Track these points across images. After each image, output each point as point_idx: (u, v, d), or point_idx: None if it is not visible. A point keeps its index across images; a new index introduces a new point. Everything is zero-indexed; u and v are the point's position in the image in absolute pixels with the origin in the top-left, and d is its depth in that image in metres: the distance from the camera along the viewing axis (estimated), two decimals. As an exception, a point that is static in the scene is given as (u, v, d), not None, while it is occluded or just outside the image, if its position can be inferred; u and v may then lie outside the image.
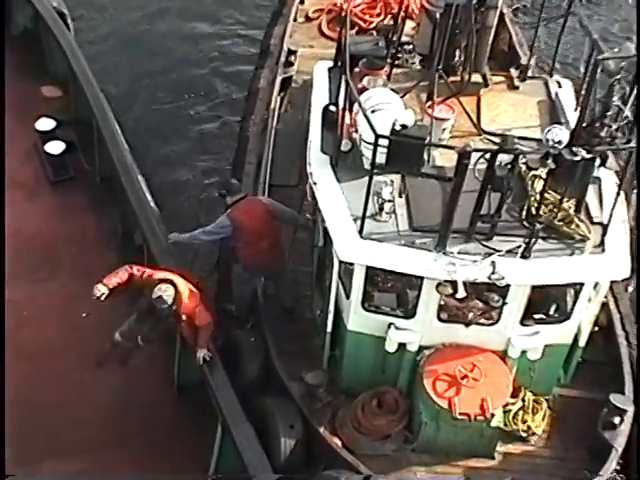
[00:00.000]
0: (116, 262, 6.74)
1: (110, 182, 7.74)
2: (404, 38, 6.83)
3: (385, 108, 5.65)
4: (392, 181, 5.51)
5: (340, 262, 5.54)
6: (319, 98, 6.31)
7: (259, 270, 6.70)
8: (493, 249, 5.32)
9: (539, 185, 5.42)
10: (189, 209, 8.89)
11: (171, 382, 6.52)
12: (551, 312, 5.79)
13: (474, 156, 5.01)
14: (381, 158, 5.18)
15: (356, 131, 5.86)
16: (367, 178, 5.28)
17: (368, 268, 5.45)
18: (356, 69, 6.28)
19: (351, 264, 5.55)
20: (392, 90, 6.02)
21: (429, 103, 6.05)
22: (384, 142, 5.06)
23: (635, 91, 5.16)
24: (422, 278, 5.43)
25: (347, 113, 5.88)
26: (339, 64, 5.94)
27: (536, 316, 5.74)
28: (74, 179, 8.02)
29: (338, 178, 5.72)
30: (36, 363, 6.44)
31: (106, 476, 6.01)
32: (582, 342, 5.97)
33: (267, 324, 6.36)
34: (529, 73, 6.63)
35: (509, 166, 5.10)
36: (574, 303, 5.67)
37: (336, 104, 5.81)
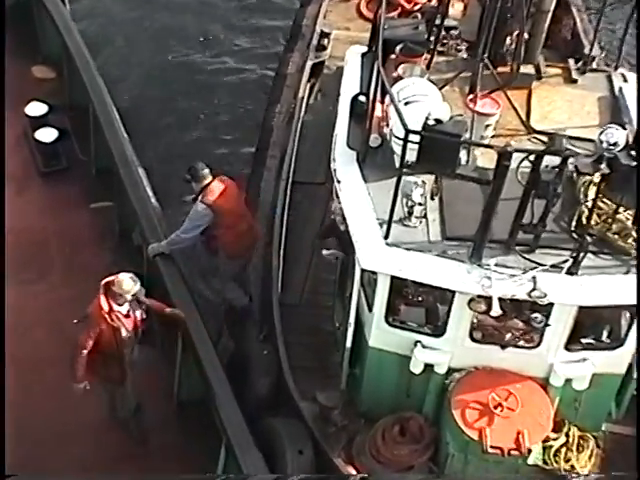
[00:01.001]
0: (111, 263, 6.81)
1: (107, 175, 7.63)
2: (450, 22, 6.87)
3: (420, 100, 5.67)
4: (424, 182, 5.53)
5: (362, 270, 5.58)
6: (349, 86, 6.35)
7: (243, 254, 6.79)
8: (535, 262, 5.29)
9: (591, 192, 5.38)
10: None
11: (170, 398, 6.54)
12: (602, 337, 5.73)
13: (516, 157, 5.00)
14: (412, 156, 5.21)
15: (387, 125, 5.90)
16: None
17: (393, 278, 5.48)
18: (392, 56, 6.33)
19: (374, 273, 5.59)
20: (430, 81, 6.05)
21: (471, 96, 6.04)
22: (415, 138, 5.09)
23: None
24: (453, 292, 5.44)
25: (378, 104, 5.94)
26: (373, 49, 6.00)
27: (584, 341, 5.69)
28: (67, 170, 7.88)
29: (364, 176, 5.76)
30: (22, 375, 6.32)
31: (107, 476, 6.11)
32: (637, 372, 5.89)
33: (281, 336, 6.46)
34: (593, 65, 6.56)
35: (556, 170, 5.07)
36: (629, 328, 5.59)
37: (367, 94, 5.87)
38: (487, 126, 6.00)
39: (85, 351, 5.77)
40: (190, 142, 9.67)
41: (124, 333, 5.80)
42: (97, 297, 5.78)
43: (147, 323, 6.03)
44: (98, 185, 7.83)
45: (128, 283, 5.78)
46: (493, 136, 6.07)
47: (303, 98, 8.47)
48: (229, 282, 7.03)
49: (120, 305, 5.84)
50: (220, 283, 7.05)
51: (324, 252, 6.49)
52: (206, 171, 6.66)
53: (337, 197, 5.89)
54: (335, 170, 5.85)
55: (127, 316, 5.88)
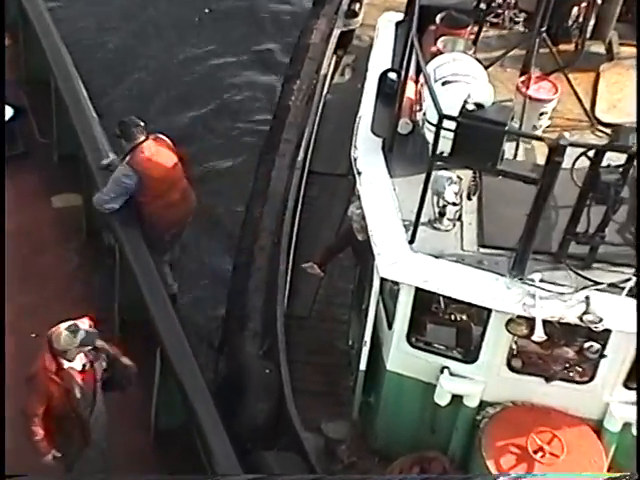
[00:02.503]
0: (77, 267, 6.73)
1: (72, 161, 7.42)
2: (505, -12, 6.84)
3: (460, 80, 5.66)
4: (460, 178, 5.53)
5: (381, 279, 5.59)
6: (378, 60, 6.37)
7: (169, 229, 6.78)
8: (590, 280, 5.24)
9: (663, 198, 5.33)
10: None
11: (148, 428, 6.46)
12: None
13: (572, 153, 4.97)
14: (447, 146, 5.20)
15: (420, 109, 5.91)
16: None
17: (418, 290, 5.48)
18: (432, 26, 6.34)
19: (395, 283, 5.60)
20: (476, 58, 6.02)
21: (524, 78, 6.01)
22: (451, 125, 5.08)
23: None
24: (489, 310, 5.42)
25: (412, 83, 5.96)
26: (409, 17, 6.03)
27: (648, 378, 5.65)
28: (24, 156, 7.65)
29: (390, 169, 5.78)
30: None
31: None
32: None
33: (285, 353, 6.50)
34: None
35: (620, 169, 5.02)
36: None
37: (398, 70, 5.88)
38: (541, 114, 5.97)
39: (37, 419, 5.54)
40: (179, 124, 9.50)
41: (78, 394, 5.51)
42: (41, 355, 5.48)
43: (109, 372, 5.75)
44: (61, 174, 7.61)
45: (66, 338, 5.42)
46: (548, 127, 6.04)
47: (327, 73, 8.50)
48: (163, 265, 7.03)
49: (71, 360, 5.52)
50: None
51: (303, 265, 6.50)
52: (139, 128, 6.62)
53: (356, 192, 5.93)
54: (355, 159, 5.88)
55: (82, 371, 5.59)
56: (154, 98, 9.94)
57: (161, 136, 6.86)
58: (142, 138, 6.63)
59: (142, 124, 6.72)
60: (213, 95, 10.20)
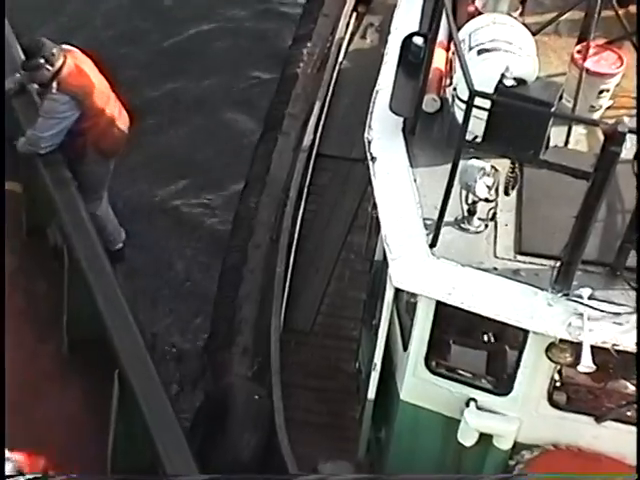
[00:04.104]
0: (17, 270, 6.64)
1: (8, 145, 7.21)
2: None
3: (500, 48, 5.60)
4: (495, 170, 5.46)
5: (396, 290, 5.57)
6: (402, 22, 6.36)
7: (115, 150, 7.14)
8: (652, 298, 5.19)
9: None
10: (156, 200, 8.93)
11: (104, 467, 6.31)
12: None
13: (632, 140, 4.90)
14: (479, 129, 5.15)
15: (451, 83, 5.87)
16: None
17: (439, 304, 5.45)
18: (470, -19, 6.34)
19: (413, 295, 5.57)
20: (522, 21, 5.98)
21: (580, 46, 5.93)
22: (484, 104, 5.02)
23: None
24: (526, 332, 5.37)
25: (442, 51, 5.91)
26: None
27: None
28: None
29: (412, 155, 5.75)
30: None
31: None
32: None
33: (279, 374, 6.50)
34: None
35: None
36: None
37: (426, 35, 5.83)
38: (601, 92, 5.91)
39: None
40: (160, 97, 9.77)
41: None
42: None
43: None
44: None
45: None
46: (610, 107, 5.99)
47: (344, 37, 8.47)
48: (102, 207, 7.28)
49: None
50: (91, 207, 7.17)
51: None
52: (58, 48, 6.94)
53: (369, 182, 5.89)
54: (369, 142, 5.86)
55: None
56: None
57: (70, 47, 7.18)
58: (62, 59, 6.97)
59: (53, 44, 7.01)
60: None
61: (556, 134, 5.64)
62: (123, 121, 7.35)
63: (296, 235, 7.44)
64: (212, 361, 7.00)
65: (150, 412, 5.99)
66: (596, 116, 5.90)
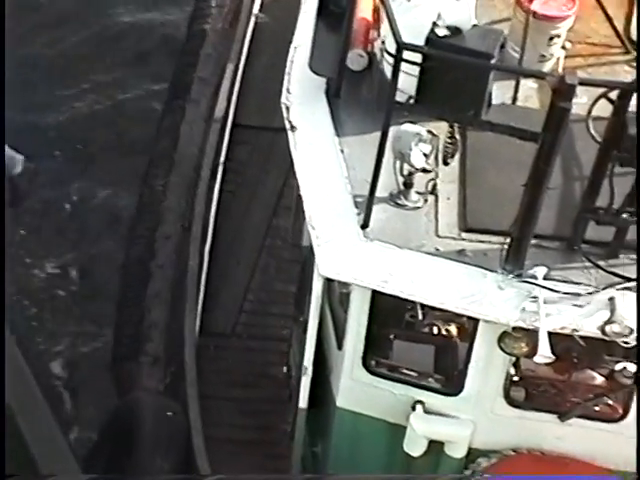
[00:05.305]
0: None
1: None
2: None
3: (431, -6, 5.69)
4: (433, 135, 5.52)
5: (325, 280, 5.61)
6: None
7: None
8: (616, 275, 5.28)
9: None
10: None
11: None
12: None
13: (583, 94, 4.97)
14: (412, 88, 5.21)
15: (379, 35, 5.90)
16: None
17: (375, 294, 5.49)
18: None
19: (345, 285, 5.61)
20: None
21: (526, -12, 6.04)
22: (415, 58, 5.06)
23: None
24: (475, 321, 5.44)
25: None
26: None
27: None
28: None
29: (337, 122, 5.78)
30: None
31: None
32: None
33: (195, 386, 6.51)
34: None
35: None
36: None
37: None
38: (552, 39, 5.98)
39: None
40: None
41: None
42: None
43: None
44: None
45: None
46: (566, 57, 6.07)
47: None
48: None
49: None
50: None
51: None
52: None
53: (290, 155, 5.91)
54: (288, 109, 5.88)
55: None
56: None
57: None
58: None
59: None
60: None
61: (503, 90, 5.75)
62: None
63: (212, 222, 7.45)
64: (117, 373, 6.99)
65: (31, 438, 6.00)
66: (548, 67, 5.99)
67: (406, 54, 5.01)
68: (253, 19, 8.36)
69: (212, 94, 7.99)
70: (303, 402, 6.01)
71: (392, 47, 5.28)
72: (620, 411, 5.75)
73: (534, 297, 5.22)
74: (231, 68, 8.02)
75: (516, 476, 5.81)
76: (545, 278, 5.24)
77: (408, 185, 5.50)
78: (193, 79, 8.09)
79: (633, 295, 5.27)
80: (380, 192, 5.42)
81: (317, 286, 5.67)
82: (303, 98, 5.89)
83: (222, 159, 7.77)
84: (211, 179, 7.60)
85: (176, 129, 7.90)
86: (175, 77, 8.41)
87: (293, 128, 5.81)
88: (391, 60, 5.43)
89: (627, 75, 6.03)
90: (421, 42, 5.12)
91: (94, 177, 9.16)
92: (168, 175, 7.69)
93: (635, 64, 6.20)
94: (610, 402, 5.76)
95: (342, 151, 5.67)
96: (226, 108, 7.90)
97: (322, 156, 5.69)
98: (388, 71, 5.70)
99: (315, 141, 5.75)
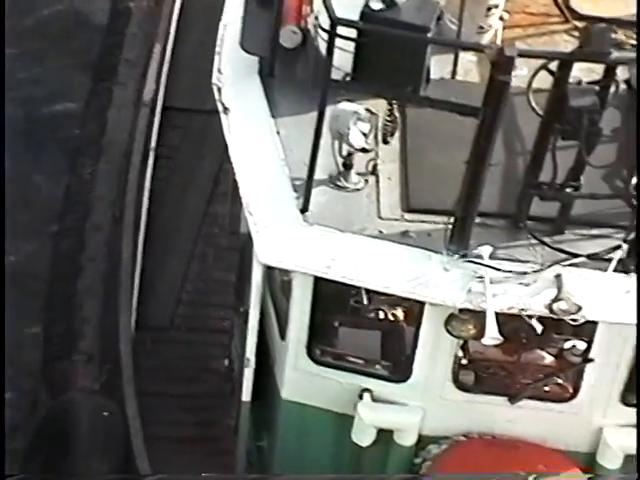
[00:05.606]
0: None
1: None
2: None
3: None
4: (372, 113, 5.54)
5: (265, 267, 5.61)
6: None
7: None
8: (562, 251, 5.35)
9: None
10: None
11: None
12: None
13: (523, 66, 4.99)
14: (347, 65, 5.23)
15: (312, 10, 5.90)
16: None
17: (317, 280, 5.51)
18: None
19: (286, 273, 5.63)
20: None
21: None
22: (349, 33, 5.07)
23: None
24: (420, 304, 5.49)
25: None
26: None
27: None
28: None
29: (272, 102, 5.80)
30: None
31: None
32: None
33: (132, 384, 6.50)
34: None
35: (597, 88, 5.10)
36: None
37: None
38: (490, 9, 6.03)
39: None
40: None
41: None
42: None
43: None
44: None
45: None
46: (504, 28, 6.11)
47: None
48: None
49: None
50: None
51: None
52: None
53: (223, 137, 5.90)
54: (220, 90, 5.88)
55: None
56: None
57: None
58: None
59: None
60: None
61: (441, 65, 5.78)
62: None
63: (144, 210, 7.41)
64: (49, 373, 6.93)
65: None
66: (486, 39, 6.03)
67: (340, 30, 5.03)
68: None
69: (140, 76, 7.94)
70: (246, 395, 6.02)
71: (326, 23, 5.26)
72: (570, 390, 5.83)
73: (480, 277, 5.28)
74: (158, 48, 7.99)
75: (456, 474, 5.87)
76: (491, 257, 5.30)
77: (348, 166, 5.53)
78: (119, 60, 8.02)
79: (580, 271, 5.35)
80: (319, 174, 5.45)
81: (257, 274, 5.68)
82: (235, 78, 5.89)
83: (153, 144, 7.74)
84: (142, 166, 7.56)
85: (103, 114, 7.83)
86: (99, 59, 8.32)
87: (226, 110, 5.81)
88: (325, 36, 5.41)
89: (567, 45, 6.11)
90: (356, 17, 5.12)
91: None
92: (96, 162, 7.61)
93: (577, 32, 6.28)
94: (560, 381, 5.82)
95: (278, 133, 5.69)
96: (155, 90, 7.87)
97: (257, 138, 5.70)
98: (323, 48, 5.67)
99: (250, 123, 5.75)
